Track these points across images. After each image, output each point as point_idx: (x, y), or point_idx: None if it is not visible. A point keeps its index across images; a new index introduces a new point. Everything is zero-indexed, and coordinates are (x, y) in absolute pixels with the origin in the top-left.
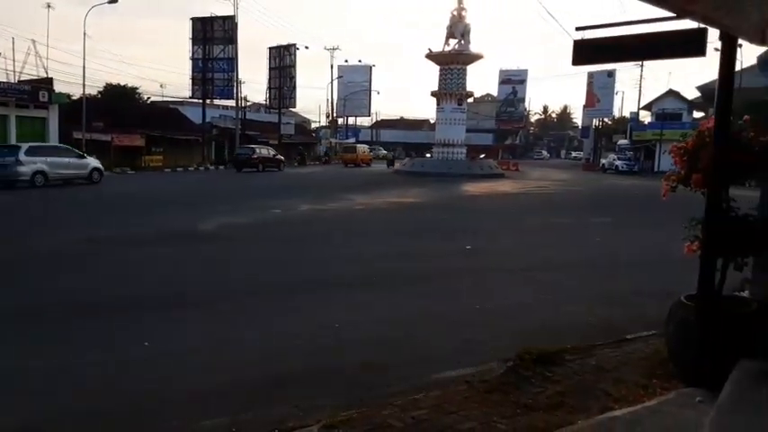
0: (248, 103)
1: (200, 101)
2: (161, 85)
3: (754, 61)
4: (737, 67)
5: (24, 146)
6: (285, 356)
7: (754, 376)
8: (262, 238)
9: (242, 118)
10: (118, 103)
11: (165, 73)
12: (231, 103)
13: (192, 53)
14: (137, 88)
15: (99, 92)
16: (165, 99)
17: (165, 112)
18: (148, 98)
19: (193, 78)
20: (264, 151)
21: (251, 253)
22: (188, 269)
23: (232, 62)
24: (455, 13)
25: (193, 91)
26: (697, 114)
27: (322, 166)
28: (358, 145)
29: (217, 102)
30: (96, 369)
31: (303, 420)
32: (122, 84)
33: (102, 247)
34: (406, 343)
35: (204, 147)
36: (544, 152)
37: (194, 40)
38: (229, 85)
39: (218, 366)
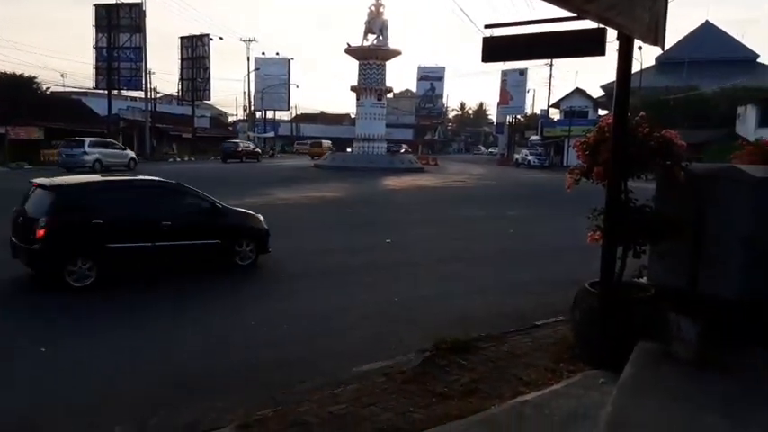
0: (159, 95)
1: (106, 92)
2: (62, 75)
3: (653, 62)
4: (639, 68)
5: (87, 140)
6: (194, 358)
7: (651, 357)
8: None
9: (152, 110)
10: (13, 93)
11: (66, 62)
12: (140, 94)
13: (96, 41)
14: (35, 78)
15: None
16: (66, 90)
17: (67, 104)
18: (48, 88)
19: (97, 68)
20: (245, 145)
21: None
22: None
23: (140, 51)
24: (373, 8)
25: (97, 81)
26: (602, 112)
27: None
28: (324, 141)
29: (125, 93)
30: None
31: (216, 422)
32: (18, 73)
33: None
34: (323, 338)
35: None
36: (482, 148)
37: (98, 28)
38: (137, 76)
39: (119, 372)
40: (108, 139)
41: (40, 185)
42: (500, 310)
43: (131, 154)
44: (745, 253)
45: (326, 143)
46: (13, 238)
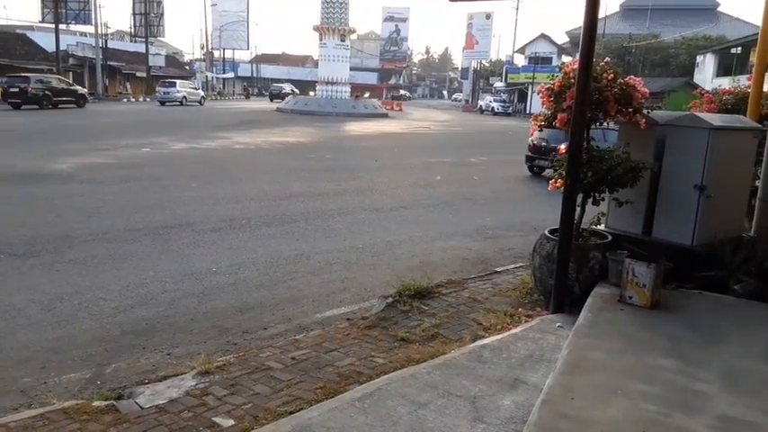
0: (110, 30)
1: (53, 25)
2: (3, 7)
3: (618, 9)
4: (603, 14)
5: (178, 81)
6: (154, 303)
7: (606, 301)
8: (134, 179)
9: (103, 46)
10: None
11: None
12: (89, 29)
13: None
14: None
15: None
16: (9, 23)
17: (11, 38)
18: None
19: (43, 0)
20: (183, 86)
21: (121, 196)
22: (42, 214)
23: None
24: None
25: (43, 14)
26: (566, 58)
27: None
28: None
29: (73, 27)
30: None
31: (176, 368)
32: None
33: None
34: (285, 284)
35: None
36: (444, 93)
37: None
38: (86, 9)
39: (74, 317)
40: (188, 81)
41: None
42: (462, 255)
43: (202, 93)
44: (699, 200)
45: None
46: None
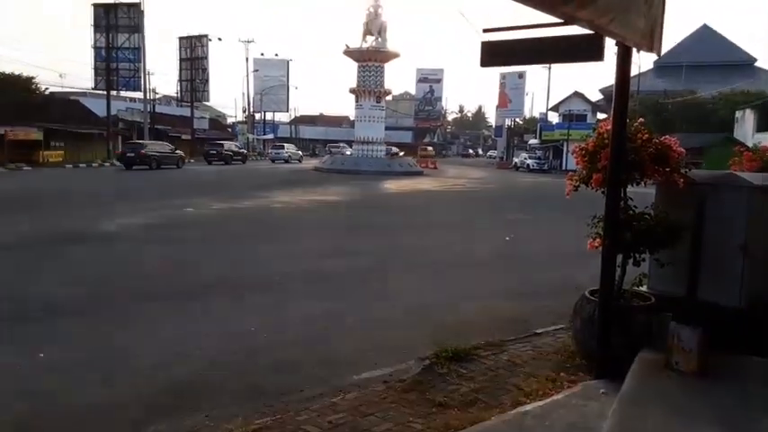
0: (157, 96)
1: (104, 92)
2: (60, 76)
3: (652, 65)
4: (637, 71)
5: (285, 144)
6: (192, 362)
7: (652, 367)
8: (175, 240)
9: (151, 111)
10: (11, 93)
11: (64, 62)
12: (138, 95)
13: (95, 41)
14: (33, 78)
15: None
16: (65, 90)
17: (66, 104)
18: (46, 89)
19: (96, 68)
20: (230, 147)
21: (162, 254)
22: (94, 269)
23: (138, 52)
24: (371, 10)
25: (96, 82)
26: (600, 115)
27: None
28: (429, 147)
29: (123, 93)
30: None
31: (214, 430)
32: (16, 73)
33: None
34: (321, 344)
35: (109, 141)
36: (470, 150)
37: (96, 28)
38: (136, 76)
39: (116, 377)
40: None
41: None
42: (500, 315)
43: (300, 153)
44: (743, 260)
45: (430, 149)
46: None
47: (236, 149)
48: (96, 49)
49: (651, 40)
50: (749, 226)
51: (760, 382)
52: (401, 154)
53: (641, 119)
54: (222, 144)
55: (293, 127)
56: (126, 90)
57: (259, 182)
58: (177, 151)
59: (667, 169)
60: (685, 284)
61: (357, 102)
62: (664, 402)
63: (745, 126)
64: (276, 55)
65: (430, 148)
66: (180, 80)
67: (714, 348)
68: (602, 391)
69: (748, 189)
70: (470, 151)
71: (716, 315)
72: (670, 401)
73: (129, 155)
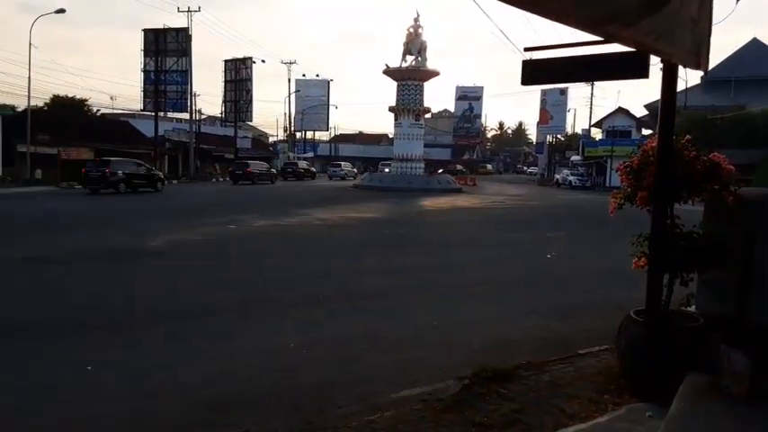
0: (203, 117)
1: (153, 114)
2: (111, 98)
3: (699, 80)
4: (684, 86)
5: (341, 163)
6: (233, 379)
7: (700, 390)
8: (221, 255)
9: (196, 131)
10: (65, 115)
11: (115, 85)
12: (185, 116)
13: (144, 65)
14: (86, 100)
15: (45, 104)
16: (115, 111)
17: (116, 125)
18: (98, 110)
19: (145, 91)
20: (259, 165)
21: (206, 271)
22: (132, 289)
23: (185, 74)
24: (411, 30)
25: (145, 104)
26: (645, 131)
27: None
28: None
29: (170, 114)
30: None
31: None
32: (70, 95)
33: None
34: (360, 362)
35: (157, 160)
36: (489, 166)
37: (146, 52)
38: (183, 98)
39: (156, 391)
40: (347, 163)
41: None
42: (541, 335)
43: (355, 170)
44: None
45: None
46: None
47: (307, 167)
48: (146, 72)
49: (698, 56)
50: None
51: None
52: (440, 171)
53: (688, 135)
54: (296, 163)
55: (333, 145)
56: (173, 111)
57: (296, 200)
58: (272, 170)
59: (716, 187)
60: (735, 305)
61: (396, 120)
62: (713, 427)
63: None
64: (317, 75)
65: (489, 166)
66: (224, 101)
67: (766, 372)
68: (649, 414)
69: None
70: (526, 168)
71: (766, 338)
72: (720, 426)
73: (237, 172)
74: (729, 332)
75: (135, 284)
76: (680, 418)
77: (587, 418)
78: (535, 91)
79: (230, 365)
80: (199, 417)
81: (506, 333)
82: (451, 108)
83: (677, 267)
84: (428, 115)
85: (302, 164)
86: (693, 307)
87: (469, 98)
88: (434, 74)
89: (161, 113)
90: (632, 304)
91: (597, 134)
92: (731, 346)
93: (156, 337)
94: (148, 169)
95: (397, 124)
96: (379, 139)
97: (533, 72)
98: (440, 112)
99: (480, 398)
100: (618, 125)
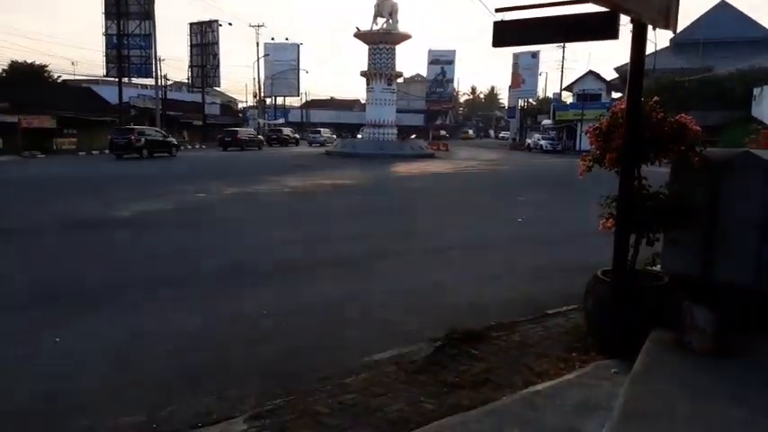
0: (169, 82)
1: (116, 79)
2: (72, 63)
3: (668, 43)
4: (653, 49)
5: (321, 129)
6: (207, 346)
7: (664, 346)
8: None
9: (162, 97)
10: (25, 82)
11: (76, 50)
12: (150, 81)
13: (106, 28)
14: (45, 66)
15: (3, 70)
16: (77, 78)
17: (78, 92)
18: (59, 77)
19: (108, 55)
20: (247, 133)
21: (175, 240)
22: (103, 258)
23: (149, 38)
24: None
25: (108, 69)
26: (615, 95)
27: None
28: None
29: (135, 80)
30: None
31: (228, 412)
32: (29, 61)
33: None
34: (333, 327)
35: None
36: (471, 131)
37: (108, 15)
38: (147, 63)
39: (130, 360)
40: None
41: None
42: (511, 297)
43: (334, 136)
44: (759, 240)
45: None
46: None
47: (290, 134)
48: (108, 36)
49: (667, 16)
50: (766, 205)
51: None
52: (413, 137)
53: (656, 97)
54: (281, 130)
55: (304, 111)
56: (137, 77)
57: (267, 168)
58: (259, 136)
59: (683, 148)
60: (699, 264)
61: (368, 85)
62: (676, 381)
63: (763, 104)
64: (287, 39)
65: (471, 132)
66: (191, 66)
67: (727, 328)
68: (614, 370)
69: (765, 168)
70: (470, 132)
71: (730, 295)
72: (682, 380)
73: (226, 139)
74: (693, 290)
75: (107, 254)
76: (644, 374)
77: (555, 375)
78: (508, 55)
79: (204, 334)
80: (175, 384)
81: (478, 296)
82: (424, 72)
83: (643, 228)
84: (400, 80)
85: (286, 130)
86: (659, 266)
87: (442, 62)
88: (406, 37)
89: (125, 79)
90: (601, 265)
91: (568, 98)
92: (694, 303)
93: (128, 307)
94: (164, 136)
95: (369, 89)
96: (351, 104)
97: (504, 33)
98: (412, 77)
99: (452, 359)
100: (588, 88)
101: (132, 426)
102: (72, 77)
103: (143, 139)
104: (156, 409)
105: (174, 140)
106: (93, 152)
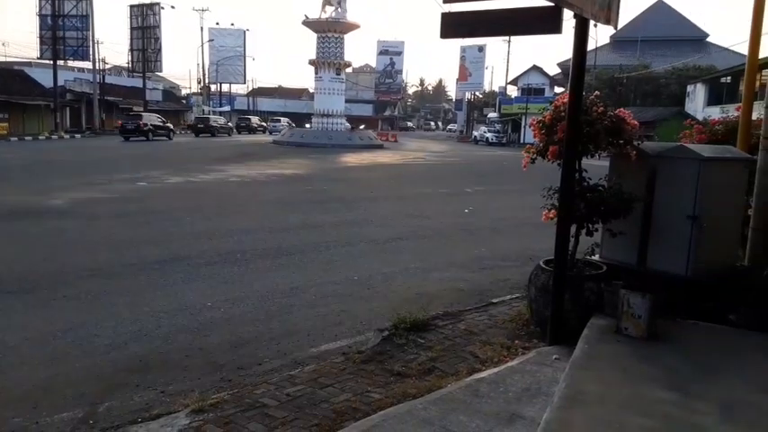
0: (107, 66)
1: (50, 62)
2: (2, 44)
3: (608, 40)
4: (594, 45)
5: (281, 118)
6: (148, 339)
7: (602, 332)
8: (133, 213)
9: (101, 82)
10: None
11: (7, 31)
12: (87, 65)
13: (40, 9)
14: None
15: None
16: (8, 59)
17: (9, 74)
18: None
19: (41, 37)
20: (218, 120)
21: (117, 231)
22: (36, 250)
23: (86, 19)
24: None
25: (42, 51)
26: (558, 89)
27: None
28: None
29: (71, 63)
30: None
31: (169, 406)
32: None
33: None
34: (280, 318)
35: (57, 113)
36: (432, 124)
37: None
38: (84, 45)
39: (67, 355)
40: (286, 118)
41: None
42: (458, 286)
43: (294, 125)
44: (692, 231)
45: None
46: None
47: (259, 123)
48: (42, 16)
49: (609, 11)
50: (698, 197)
51: (703, 345)
52: (362, 127)
53: (597, 92)
54: (250, 119)
55: (251, 99)
56: (74, 59)
57: (212, 156)
58: (229, 123)
59: (621, 141)
60: (636, 254)
61: (317, 74)
62: (614, 366)
63: (696, 100)
64: (232, 24)
65: (432, 124)
66: (131, 50)
67: (662, 315)
68: (555, 356)
69: (698, 161)
70: (432, 125)
71: (664, 283)
72: (619, 365)
73: (199, 126)
74: (630, 278)
75: (42, 244)
76: (583, 359)
77: (499, 362)
78: (456, 48)
79: (145, 326)
80: (114, 379)
81: (425, 285)
82: (373, 63)
83: (584, 219)
84: (349, 69)
85: (255, 119)
86: (598, 256)
87: (391, 53)
88: (354, 26)
89: (60, 62)
90: (544, 254)
91: (513, 92)
92: (630, 291)
93: (64, 300)
94: (164, 122)
95: (317, 78)
96: (299, 93)
97: (451, 25)
98: (361, 67)
99: (399, 348)
100: (533, 83)
101: (69, 422)
102: (2, 59)
103: (149, 124)
104: (94, 404)
105: (171, 126)
106: (27, 137)
